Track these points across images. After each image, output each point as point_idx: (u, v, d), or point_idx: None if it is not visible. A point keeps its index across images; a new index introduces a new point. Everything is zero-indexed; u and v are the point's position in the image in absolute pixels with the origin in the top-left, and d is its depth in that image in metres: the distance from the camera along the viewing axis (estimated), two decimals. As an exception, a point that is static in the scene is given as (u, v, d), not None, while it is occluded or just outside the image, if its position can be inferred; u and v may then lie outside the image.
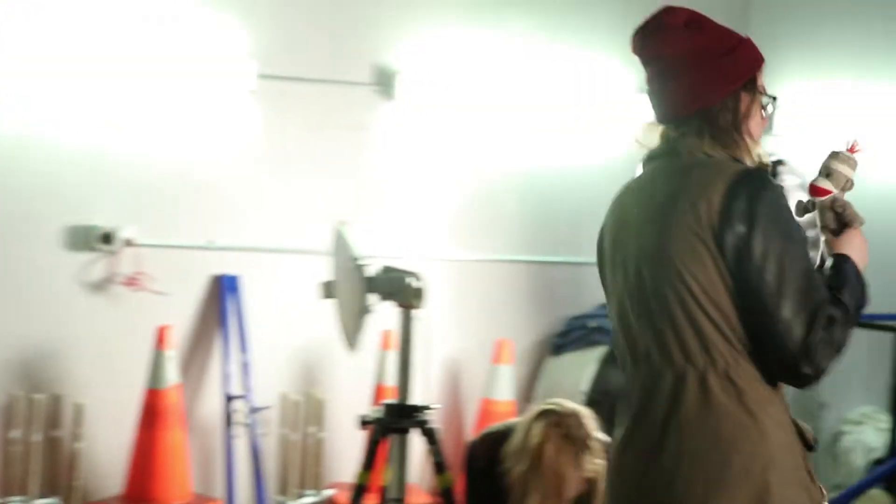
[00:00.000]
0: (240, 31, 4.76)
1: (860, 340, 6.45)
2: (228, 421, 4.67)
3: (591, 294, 5.34)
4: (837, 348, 2.07)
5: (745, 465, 2.04)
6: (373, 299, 3.37)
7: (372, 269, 3.40)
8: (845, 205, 2.23)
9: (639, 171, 2.30)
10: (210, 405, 4.77)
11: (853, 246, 2.20)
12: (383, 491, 3.51)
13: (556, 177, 5.35)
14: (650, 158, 2.26)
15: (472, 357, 5.20)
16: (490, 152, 5.24)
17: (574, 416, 3.22)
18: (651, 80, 2.27)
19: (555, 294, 5.37)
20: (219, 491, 4.76)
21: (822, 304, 2.05)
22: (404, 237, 5.03)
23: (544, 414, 3.23)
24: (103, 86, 4.54)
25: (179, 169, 4.73)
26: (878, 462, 5.58)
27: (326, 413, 4.86)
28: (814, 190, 2.21)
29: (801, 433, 2.15)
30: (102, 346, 4.61)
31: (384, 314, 3.48)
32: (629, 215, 2.22)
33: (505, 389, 5.08)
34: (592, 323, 5.17)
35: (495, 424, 3.60)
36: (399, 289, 3.36)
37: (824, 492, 2.14)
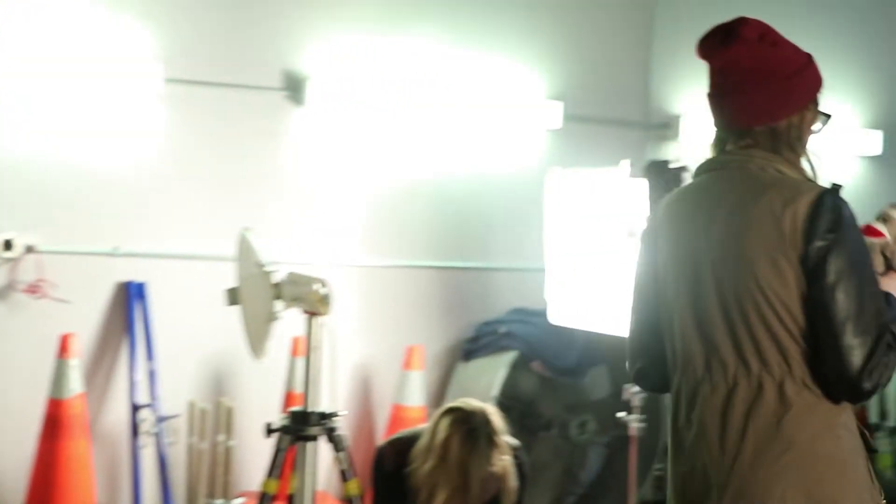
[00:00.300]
0: (146, 33, 4.65)
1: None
2: (135, 430, 4.57)
3: (502, 299, 5.34)
4: (891, 370, 2.17)
5: (820, 469, 2.15)
6: (279, 306, 3.31)
7: (278, 276, 3.34)
8: (895, 251, 2.36)
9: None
10: (116, 414, 4.66)
11: (892, 287, 2.30)
12: (290, 499, 3.45)
13: (467, 182, 5.33)
14: (710, 168, 2.31)
15: (383, 363, 5.15)
16: (400, 158, 5.20)
17: (480, 412, 3.23)
18: (717, 88, 2.31)
19: (465, 300, 5.35)
20: (125, 502, 4.64)
21: (886, 328, 2.15)
22: (315, 243, 4.96)
23: (450, 411, 3.24)
24: (4, 87, 4.41)
25: (84, 173, 4.61)
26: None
27: (236, 421, 4.77)
28: (869, 230, 2.33)
29: (864, 436, 2.25)
30: (2, 355, 4.46)
31: (295, 320, 3.43)
32: (696, 225, 2.27)
33: (415, 395, 5.04)
34: (502, 328, 5.15)
35: (404, 430, 3.56)
36: (305, 295, 3.30)
37: (881, 492, 2.26)
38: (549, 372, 5.10)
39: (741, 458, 2.17)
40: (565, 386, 5.19)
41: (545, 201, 4.67)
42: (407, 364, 5.06)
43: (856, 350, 2.12)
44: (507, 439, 3.26)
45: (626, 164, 4.04)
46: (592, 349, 5.13)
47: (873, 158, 6.09)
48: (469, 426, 3.17)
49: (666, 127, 5.67)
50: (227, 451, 4.75)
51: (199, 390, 4.79)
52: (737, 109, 2.28)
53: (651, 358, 2.37)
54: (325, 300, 3.30)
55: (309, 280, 3.32)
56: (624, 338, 4.30)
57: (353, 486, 3.42)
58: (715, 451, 2.20)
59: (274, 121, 4.95)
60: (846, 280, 2.13)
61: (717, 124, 2.33)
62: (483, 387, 5.03)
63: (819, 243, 2.13)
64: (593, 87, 5.53)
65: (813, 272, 2.14)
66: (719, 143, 2.31)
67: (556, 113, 5.32)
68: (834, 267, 2.13)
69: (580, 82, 5.48)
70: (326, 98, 4.95)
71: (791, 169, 2.26)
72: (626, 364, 2.46)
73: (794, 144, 2.28)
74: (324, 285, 3.31)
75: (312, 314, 3.33)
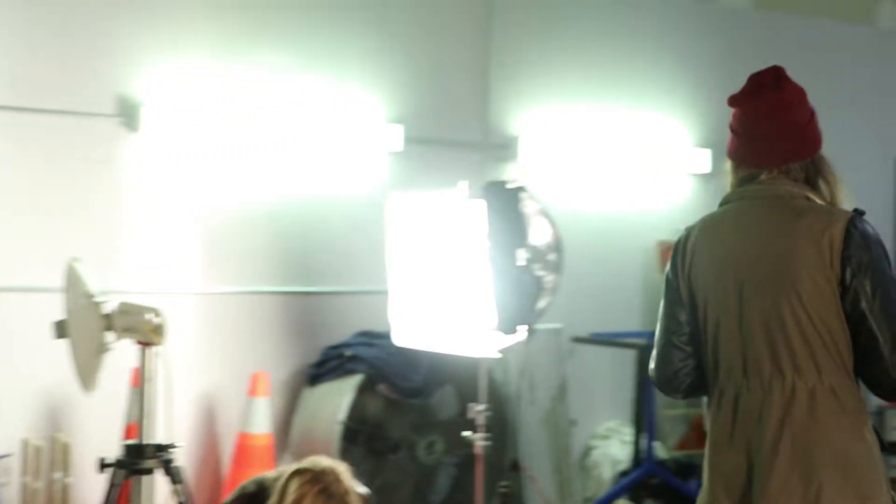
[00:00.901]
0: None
1: (604, 358, 6.67)
2: (-36, 472, 4.33)
3: (347, 323, 5.27)
4: None
5: (850, 469, 2.42)
6: (109, 337, 3.17)
7: (108, 306, 3.20)
8: None
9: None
10: (-57, 457, 4.40)
11: None
12: (128, 535, 3.31)
13: (310, 207, 5.25)
14: (745, 196, 2.57)
15: (228, 391, 5.02)
16: (240, 183, 5.08)
17: (331, 472, 3.12)
18: (755, 128, 2.58)
19: (310, 324, 5.25)
20: (-45, 547, 4.39)
21: None
22: (152, 271, 4.80)
23: (299, 472, 3.11)
24: None
25: None
26: (624, 474, 5.74)
27: (73, 457, 4.57)
28: None
29: (879, 438, 2.51)
30: None
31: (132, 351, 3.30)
32: (738, 245, 2.54)
33: (261, 423, 4.92)
34: (348, 352, 5.08)
35: (248, 482, 3.41)
36: (137, 325, 3.17)
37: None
38: (396, 394, 5.05)
39: (780, 458, 2.43)
40: (412, 407, 5.15)
41: (387, 224, 4.62)
42: (252, 391, 4.94)
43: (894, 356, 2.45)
44: (359, 493, 3.17)
45: (463, 186, 4.03)
46: (438, 369, 5.10)
47: (703, 176, 6.25)
48: (321, 486, 3.07)
49: (505, 148, 5.70)
50: (65, 489, 4.55)
51: (33, 427, 4.58)
52: (784, 145, 2.56)
53: (683, 366, 2.61)
54: (158, 330, 3.18)
55: (141, 310, 3.19)
56: (469, 357, 4.32)
57: (193, 520, 3.29)
58: (755, 451, 2.45)
59: (107, 147, 4.78)
60: (882, 296, 2.43)
61: (748, 160, 2.58)
62: (329, 411, 4.95)
63: (855, 265, 2.44)
64: (433, 110, 5.53)
65: (854, 290, 2.43)
66: (749, 176, 2.58)
67: (396, 136, 5.28)
68: (870, 286, 2.43)
69: (420, 105, 5.47)
70: (162, 124, 4.81)
71: (817, 195, 2.55)
72: (652, 372, 2.69)
73: (824, 174, 2.58)
74: (157, 315, 3.20)
75: (146, 344, 3.21)
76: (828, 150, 7.71)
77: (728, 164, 2.64)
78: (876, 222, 8.07)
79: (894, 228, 6.83)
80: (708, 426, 2.59)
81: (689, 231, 2.64)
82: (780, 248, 2.48)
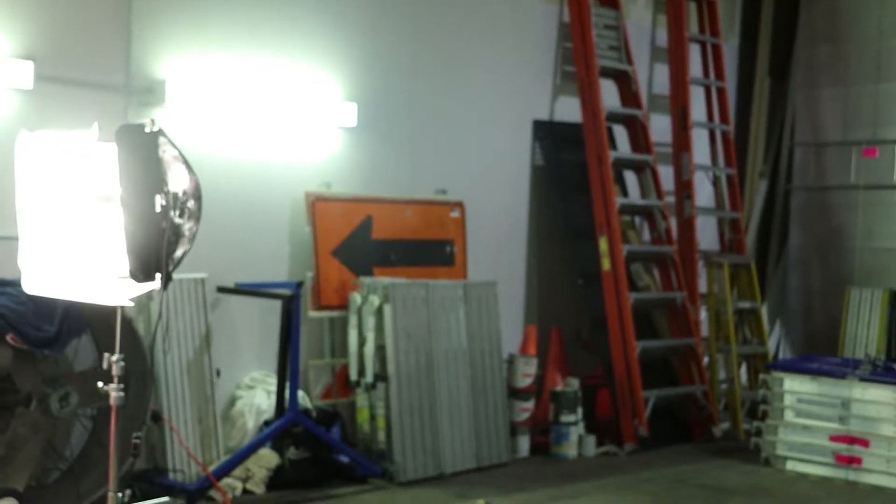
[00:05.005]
0: None
1: (252, 308, 6.63)
2: None
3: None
4: None
5: None
6: None
7: None
8: None
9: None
10: None
11: None
12: None
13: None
14: None
15: None
16: None
17: None
18: None
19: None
20: None
21: None
22: None
23: None
24: None
25: None
26: (268, 423, 5.76)
27: None
28: None
29: None
30: None
31: None
32: None
33: None
34: (-22, 302, 4.74)
35: None
36: None
37: None
38: (27, 344, 4.77)
39: None
40: (45, 358, 4.90)
41: (16, 166, 4.33)
42: None
43: None
44: None
45: (95, 128, 3.85)
46: (74, 318, 4.88)
47: (350, 129, 6.34)
48: None
49: (150, 92, 5.50)
50: None
51: None
52: None
53: None
54: None
55: None
56: (105, 306, 4.15)
57: None
58: None
59: None
60: None
61: None
62: (-49, 364, 4.62)
63: None
64: (69, 48, 5.21)
65: None
66: None
67: (25, 72, 4.93)
68: None
69: (54, 42, 5.14)
70: None
71: None
72: None
73: None
74: None
75: None
76: (476, 110, 8.08)
77: None
78: (517, 176, 8.65)
79: (531, 180, 7.22)
80: None
81: None
82: None
